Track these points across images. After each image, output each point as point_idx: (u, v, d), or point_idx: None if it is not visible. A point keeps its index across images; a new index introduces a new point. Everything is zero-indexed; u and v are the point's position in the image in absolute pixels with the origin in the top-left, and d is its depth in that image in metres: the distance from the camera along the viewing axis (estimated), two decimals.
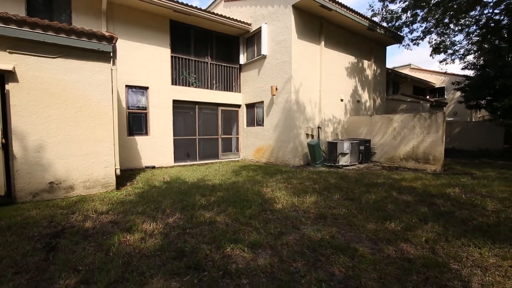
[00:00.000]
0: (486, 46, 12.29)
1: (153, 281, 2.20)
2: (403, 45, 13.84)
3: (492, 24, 12.11)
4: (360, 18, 9.74)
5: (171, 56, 9.14)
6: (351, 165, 8.42)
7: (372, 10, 13.27)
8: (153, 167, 8.57)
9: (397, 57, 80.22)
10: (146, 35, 8.55)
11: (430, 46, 13.80)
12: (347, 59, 10.59)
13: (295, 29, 8.55)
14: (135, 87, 8.48)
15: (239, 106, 11.04)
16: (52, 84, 4.69)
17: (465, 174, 6.76)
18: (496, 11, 11.95)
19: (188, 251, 2.69)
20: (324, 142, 9.47)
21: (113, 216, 3.71)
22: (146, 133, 8.73)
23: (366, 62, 11.50)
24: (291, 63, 8.52)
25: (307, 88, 9.06)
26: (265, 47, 9.43)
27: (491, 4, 11.67)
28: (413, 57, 78.52)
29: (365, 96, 11.59)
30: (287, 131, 8.81)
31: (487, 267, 2.41)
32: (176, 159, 9.33)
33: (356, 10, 9.54)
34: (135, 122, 8.60)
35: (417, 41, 13.41)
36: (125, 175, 6.87)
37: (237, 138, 11.18)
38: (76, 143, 4.92)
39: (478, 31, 12.77)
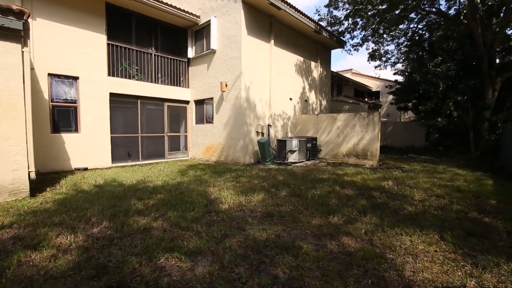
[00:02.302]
0: (412, 55, 14.06)
1: None
2: (345, 50, 14.97)
3: (417, 37, 13.95)
4: (308, 20, 10.09)
5: (108, 44, 8.11)
6: (299, 162, 8.65)
7: (319, 15, 14.08)
8: (85, 169, 7.50)
9: (341, 61, 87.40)
10: (76, 17, 7.39)
11: (368, 53, 15.25)
12: (296, 59, 10.89)
13: (245, 25, 8.40)
14: (61, 76, 7.28)
15: (187, 102, 10.44)
16: None
17: (397, 168, 7.51)
18: (419, 26, 13.79)
19: (111, 267, 2.26)
20: (274, 139, 9.56)
21: (18, 230, 2.99)
22: (76, 130, 7.59)
23: (313, 64, 12.01)
24: (241, 59, 8.35)
25: (257, 85, 9.01)
26: (215, 42, 9.07)
27: (416, 20, 13.42)
28: (355, 62, 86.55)
29: (312, 96, 12.10)
30: (237, 129, 8.62)
31: (417, 254, 2.56)
32: (114, 159, 8.34)
33: (304, 13, 9.84)
34: (62, 117, 7.39)
35: (357, 47, 14.66)
36: (47, 179, 5.82)
37: (186, 136, 10.57)
38: None
39: (406, 42, 14.60)
